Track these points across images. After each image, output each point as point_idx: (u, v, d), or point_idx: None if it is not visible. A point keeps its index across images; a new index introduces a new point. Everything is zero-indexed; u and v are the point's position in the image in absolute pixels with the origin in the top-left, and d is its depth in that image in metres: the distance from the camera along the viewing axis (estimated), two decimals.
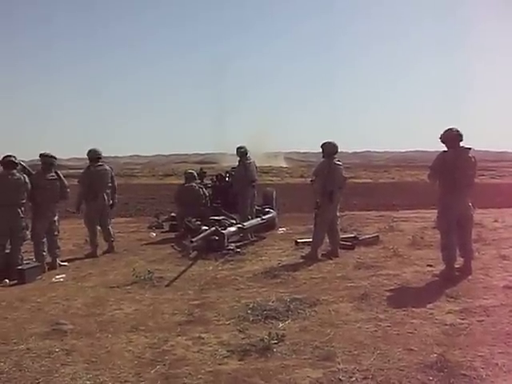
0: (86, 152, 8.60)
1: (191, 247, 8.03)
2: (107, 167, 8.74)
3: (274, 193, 11.71)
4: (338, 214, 7.82)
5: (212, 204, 10.54)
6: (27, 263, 6.96)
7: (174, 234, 10.13)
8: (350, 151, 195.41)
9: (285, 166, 72.23)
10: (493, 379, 3.30)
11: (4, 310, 5.33)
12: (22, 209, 6.97)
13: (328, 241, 7.76)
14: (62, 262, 7.70)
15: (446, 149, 6.16)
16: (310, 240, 7.79)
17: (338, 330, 4.32)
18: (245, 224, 9.02)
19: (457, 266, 6.19)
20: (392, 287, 5.69)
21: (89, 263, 7.81)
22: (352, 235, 8.78)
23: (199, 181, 11.06)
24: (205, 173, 12.11)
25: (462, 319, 4.51)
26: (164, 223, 11.62)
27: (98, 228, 8.63)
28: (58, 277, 6.83)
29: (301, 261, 7.32)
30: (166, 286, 6.15)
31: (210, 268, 7.12)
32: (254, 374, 3.50)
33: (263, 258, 7.72)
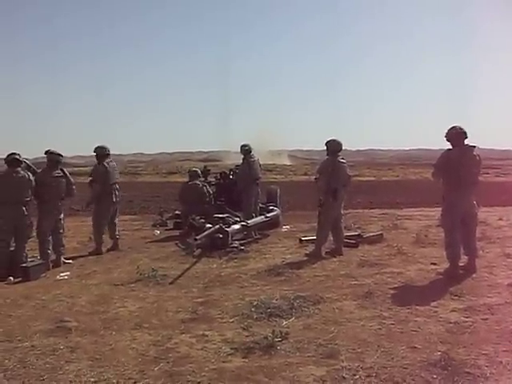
0: (94, 148, 8.61)
1: (195, 245, 8.04)
2: (114, 163, 8.81)
3: (278, 191, 11.71)
4: (342, 211, 7.81)
5: (216, 202, 10.55)
6: (32, 261, 6.99)
7: (178, 232, 10.14)
8: (353, 149, 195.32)
9: (289, 163, 72.21)
10: (497, 377, 3.28)
11: (8, 307, 5.34)
12: (27, 206, 6.99)
13: (332, 239, 7.76)
14: (67, 259, 7.72)
15: (450, 147, 6.15)
16: (314, 238, 7.79)
17: (341, 328, 4.32)
18: (249, 222, 9.03)
19: (461, 264, 6.18)
20: (396, 285, 5.68)
21: (93, 261, 7.83)
22: (356, 233, 8.78)
23: (203, 179, 11.06)
24: (209, 171, 12.11)
25: (466, 317, 4.50)
26: (168, 221, 11.63)
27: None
28: (62, 274, 6.85)
29: (305, 259, 7.32)
30: (170, 283, 6.16)
31: (214, 266, 7.12)
32: (258, 371, 3.50)
33: (267, 255, 7.72)
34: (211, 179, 11.85)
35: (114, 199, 8.61)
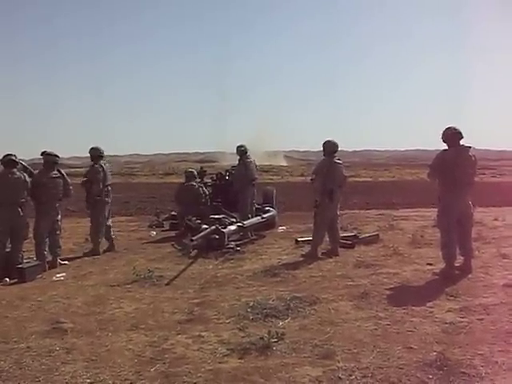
0: (89, 150, 8.61)
1: (191, 246, 8.03)
2: (108, 164, 8.82)
3: (274, 191, 11.71)
4: (338, 212, 7.83)
5: (212, 203, 10.55)
6: (27, 262, 6.97)
7: (175, 233, 10.14)
8: (350, 150, 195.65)
9: (285, 164, 72.24)
10: (492, 377, 3.30)
11: (4, 308, 5.33)
12: (22, 207, 6.97)
13: (328, 239, 7.77)
14: (63, 260, 7.71)
15: (446, 147, 6.17)
16: (310, 239, 7.80)
17: (337, 329, 4.33)
18: (245, 223, 9.03)
19: (457, 265, 6.20)
20: (392, 286, 5.69)
21: (89, 262, 7.82)
22: (352, 234, 8.79)
23: (199, 180, 11.07)
24: (205, 171, 12.11)
25: (462, 317, 4.51)
26: (164, 222, 11.63)
27: None
28: (58, 275, 6.83)
29: (301, 259, 7.33)
30: (166, 284, 6.16)
31: (210, 267, 7.12)
32: (254, 372, 3.50)
33: (263, 256, 7.72)
34: (207, 180, 11.85)
35: (109, 200, 8.62)
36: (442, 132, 6.21)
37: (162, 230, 11.02)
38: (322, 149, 7.75)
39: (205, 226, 8.53)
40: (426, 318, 4.55)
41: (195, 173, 10.91)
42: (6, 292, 6.08)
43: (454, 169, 6.00)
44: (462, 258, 6.26)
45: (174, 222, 10.90)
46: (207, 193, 10.59)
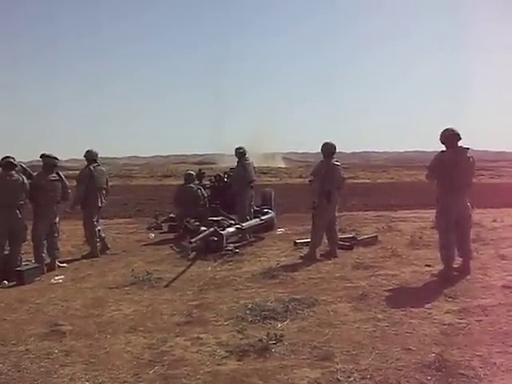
0: (84, 153, 8.61)
1: (190, 248, 8.03)
2: (104, 168, 8.80)
3: (273, 193, 11.71)
4: (336, 214, 7.83)
5: (211, 205, 10.54)
6: (26, 264, 6.97)
7: (173, 235, 10.13)
8: (348, 151, 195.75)
9: (283, 166, 72.28)
10: (491, 378, 3.30)
11: (3, 311, 5.32)
12: (21, 210, 6.97)
13: (326, 241, 7.77)
14: (61, 263, 7.70)
15: (444, 149, 6.18)
16: (309, 240, 7.80)
17: (336, 330, 4.33)
18: (243, 224, 9.03)
19: (455, 266, 6.21)
20: (390, 287, 5.70)
21: (87, 264, 7.81)
22: (350, 235, 8.80)
23: (198, 181, 11.07)
24: (203, 173, 12.11)
25: (461, 319, 4.52)
26: (163, 224, 11.61)
27: None
28: (56, 278, 6.83)
29: (299, 261, 7.33)
30: (165, 286, 6.16)
31: (209, 269, 7.12)
32: (253, 374, 3.50)
33: (262, 258, 7.72)
34: (206, 182, 11.85)
35: (100, 204, 8.58)
36: (440, 133, 6.22)
37: (161, 232, 11.00)
38: (320, 150, 7.76)
39: (203, 228, 8.53)
40: (424, 319, 4.56)
41: (194, 175, 10.90)
42: (5, 295, 6.07)
43: (452, 170, 6.01)
44: (460, 259, 6.27)
45: (172, 224, 10.88)
46: (206, 195, 10.58)
